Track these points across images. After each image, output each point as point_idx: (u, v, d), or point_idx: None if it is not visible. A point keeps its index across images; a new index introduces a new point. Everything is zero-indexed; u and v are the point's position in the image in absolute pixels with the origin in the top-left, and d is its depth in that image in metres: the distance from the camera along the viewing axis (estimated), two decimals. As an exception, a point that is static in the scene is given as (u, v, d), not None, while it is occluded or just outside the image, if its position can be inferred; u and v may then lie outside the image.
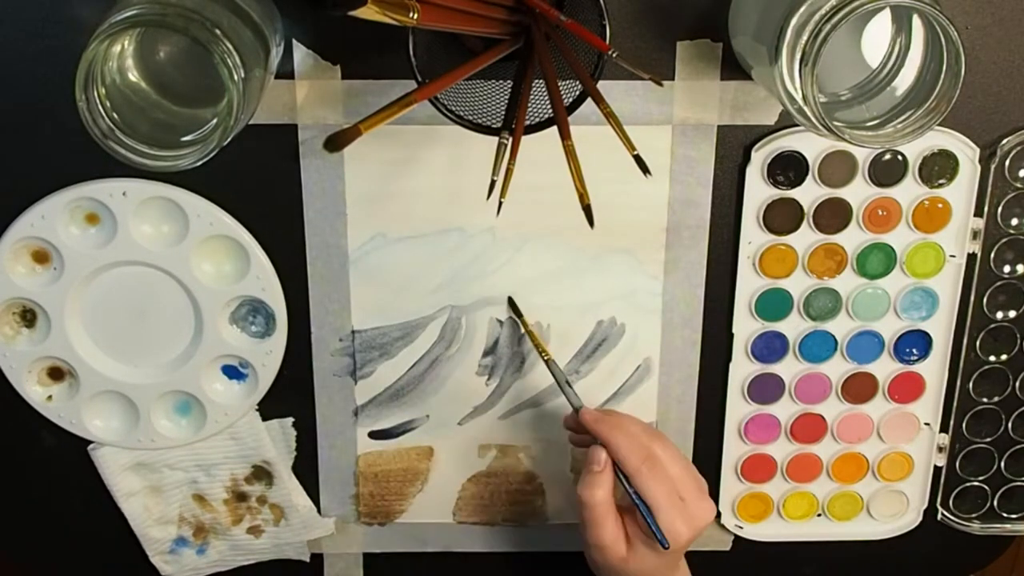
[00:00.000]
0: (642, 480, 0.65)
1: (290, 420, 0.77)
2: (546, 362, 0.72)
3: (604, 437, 0.66)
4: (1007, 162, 0.71)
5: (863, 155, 0.70)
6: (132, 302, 0.72)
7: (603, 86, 0.59)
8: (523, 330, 0.74)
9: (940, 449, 0.79)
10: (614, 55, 0.54)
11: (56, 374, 0.74)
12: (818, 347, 0.75)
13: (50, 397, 0.74)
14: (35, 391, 0.74)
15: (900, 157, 0.70)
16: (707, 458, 0.79)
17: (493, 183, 0.55)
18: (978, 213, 0.72)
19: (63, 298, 0.70)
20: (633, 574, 0.67)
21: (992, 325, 0.75)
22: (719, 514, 0.81)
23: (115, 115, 0.54)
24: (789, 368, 0.76)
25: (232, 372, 0.75)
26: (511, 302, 0.74)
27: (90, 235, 0.70)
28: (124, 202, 0.68)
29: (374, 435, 0.77)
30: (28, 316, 0.72)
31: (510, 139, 0.56)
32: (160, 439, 0.75)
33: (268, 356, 0.73)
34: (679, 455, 0.68)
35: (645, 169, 0.53)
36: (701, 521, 0.66)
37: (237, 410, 0.75)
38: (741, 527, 0.81)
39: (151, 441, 0.75)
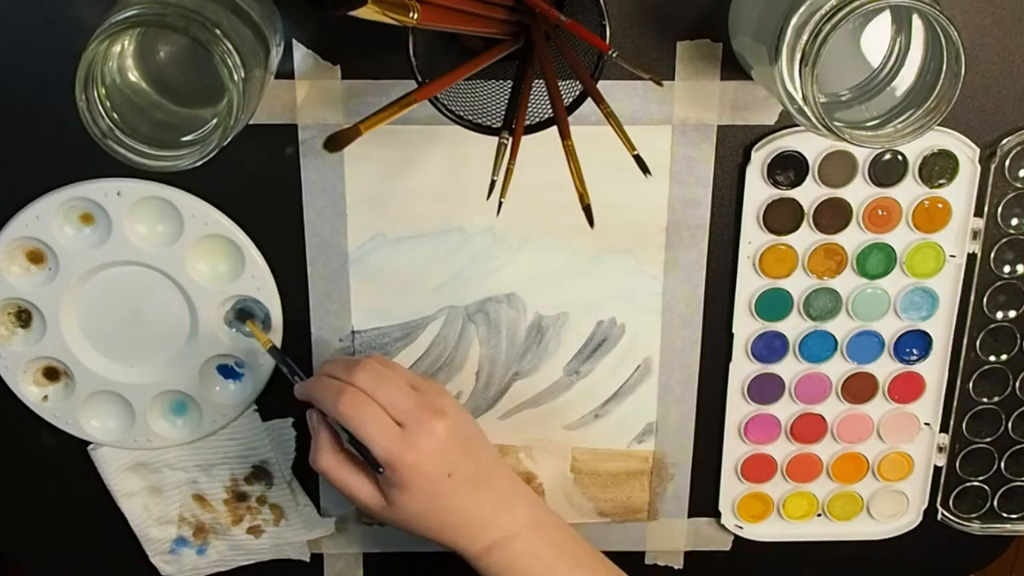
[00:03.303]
0: (351, 422, 0.59)
1: (290, 420, 0.77)
2: (270, 351, 0.69)
3: (305, 395, 0.63)
4: (1007, 162, 0.71)
5: (863, 155, 0.70)
6: (127, 302, 0.72)
7: (603, 86, 0.59)
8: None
9: (940, 449, 0.79)
10: (614, 55, 0.54)
11: (52, 374, 0.74)
12: (818, 347, 0.75)
13: (46, 397, 0.74)
14: (31, 391, 0.74)
15: (900, 157, 0.70)
16: (707, 458, 0.79)
17: (493, 183, 0.55)
18: (978, 213, 0.72)
19: (58, 298, 0.70)
20: (409, 520, 0.64)
21: (992, 325, 0.75)
22: (719, 514, 0.80)
23: (115, 115, 0.54)
24: (789, 368, 0.76)
25: (228, 372, 0.74)
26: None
27: (85, 235, 0.70)
28: (119, 202, 0.68)
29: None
30: (23, 316, 0.72)
31: (510, 139, 0.56)
32: (156, 439, 0.75)
33: (264, 355, 0.73)
34: (392, 378, 0.62)
35: (645, 169, 0.53)
36: (429, 442, 0.61)
37: (233, 409, 0.75)
38: (741, 527, 0.81)
39: (147, 441, 0.75)
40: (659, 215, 0.72)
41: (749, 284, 0.73)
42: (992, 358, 0.76)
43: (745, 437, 0.78)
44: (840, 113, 0.58)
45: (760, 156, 0.70)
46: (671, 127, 0.69)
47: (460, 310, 0.74)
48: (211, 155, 0.54)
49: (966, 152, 0.70)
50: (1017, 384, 0.77)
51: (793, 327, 0.75)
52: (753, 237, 0.72)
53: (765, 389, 0.77)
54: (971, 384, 0.77)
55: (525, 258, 0.73)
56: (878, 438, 0.78)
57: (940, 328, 0.75)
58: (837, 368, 0.76)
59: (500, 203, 0.54)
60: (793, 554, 0.82)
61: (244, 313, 0.71)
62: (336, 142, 0.49)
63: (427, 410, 0.62)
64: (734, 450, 0.79)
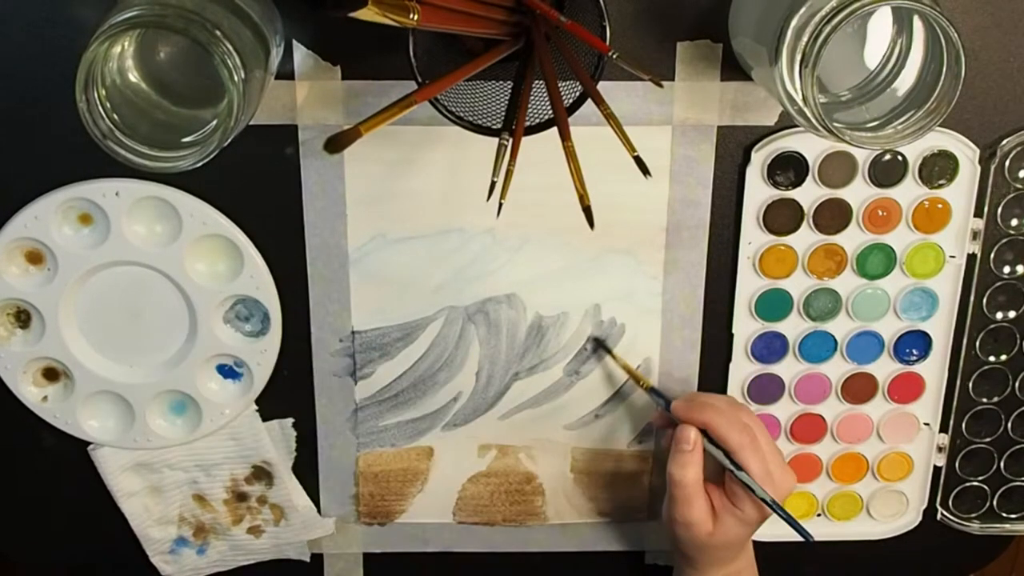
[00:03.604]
0: (745, 455, 0.67)
1: (290, 420, 0.77)
2: (647, 391, 0.75)
3: (702, 421, 0.69)
4: (1007, 162, 0.71)
5: (863, 156, 0.70)
6: (126, 302, 0.72)
7: (603, 87, 0.59)
8: (619, 366, 0.75)
9: (940, 449, 0.79)
10: (614, 56, 0.54)
11: (51, 375, 0.74)
12: (818, 347, 0.75)
13: (45, 398, 0.74)
14: (30, 392, 0.74)
15: (900, 158, 0.70)
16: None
17: (493, 184, 0.55)
18: (978, 213, 0.72)
19: (57, 299, 0.70)
20: (716, 547, 0.70)
21: (992, 325, 0.75)
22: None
23: (115, 116, 0.53)
24: (789, 368, 0.76)
25: (227, 371, 0.74)
26: (599, 342, 0.75)
27: (83, 235, 0.70)
28: (117, 202, 0.68)
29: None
30: (22, 317, 0.72)
31: (510, 140, 0.56)
32: (156, 439, 0.75)
33: (263, 355, 0.73)
34: (764, 427, 0.70)
35: (645, 170, 0.53)
36: (785, 492, 0.69)
37: (233, 409, 0.75)
38: (741, 527, 0.81)
39: (147, 441, 0.75)
40: (659, 215, 0.72)
41: (749, 284, 0.73)
42: (992, 358, 0.76)
43: (745, 437, 0.78)
44: (840, 114, 0.58)
45: (760, 156, 0.70)
46: (671, 128, 0.69)
47: (460, 310, 0.74)
48: (211, 156, 0.54)
49: (966, 152, 0.70)
50: (1017, 384, 0.77)
51: (793, 327, 0.75)
52: (753, 237, 0.72)
53: (765, 389, 0.77)
54: (971, 384, 0.77)
55: (525, 258, 0.73)
56: (878, 438, 0.79)
57: (940, 328, 0.75)
58: (837, 368, 0.76)
59: (500, 204, 0.54)
60: (793, 554, 0.82)
61: (598, 343, 0.75)
62: (336, 143, 0.49)
63: (784, 461, 0.70)
64: (734, 450, 0.79)
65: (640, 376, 0.75)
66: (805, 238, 0.72)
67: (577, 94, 0.58)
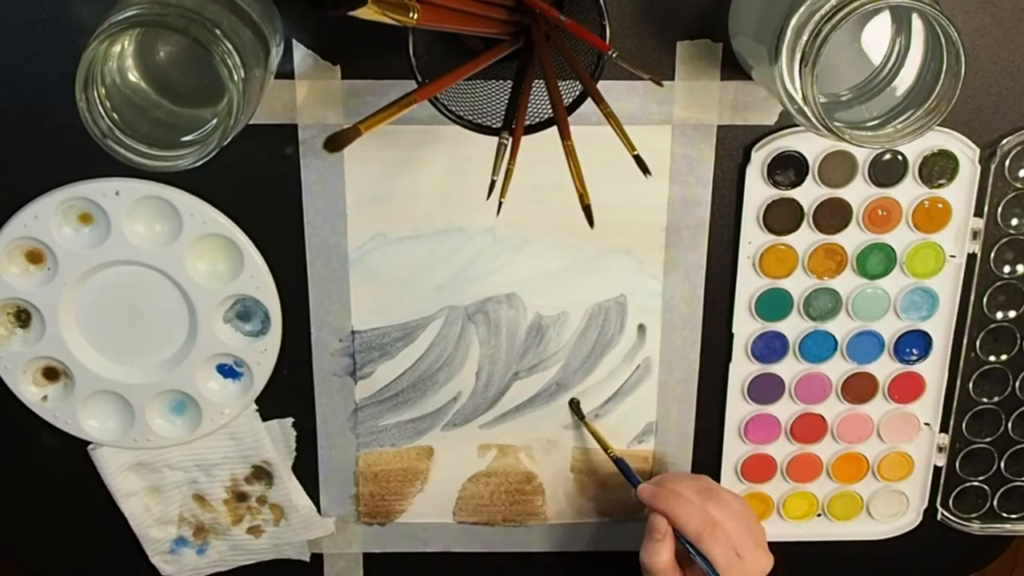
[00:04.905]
0: (703, 545, 0.68)
1: (290, 420, 0.77)
2: (614, 460, 0.76)
3: (662, 510, 0.70)
4: (1007, 162, 0.71)
5: (863, 155, 0.70)
6: (126, 302, 0.72)
7: (603, 86, 0.59)
8: (587, 431, 0.77)
9: (940, 449, 0.79)
10: (614, 55, 0.54)
11: (51, 374, 0.74)
12: (818, 347, 0.75)
13: (45, 397, 0.74)
14: (30, 391, 0.74)
15: (900, 157, 0.70)
16: (707, 458, 0.79)
17: (493, 183, 0.55)
18: (978, 213, 0.72)
19: (57, 298, 0.70)
20: None
21: (992, 325, 0.75)
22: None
23: (115, 115, 0.53)
24: (789, 368, 0.76)
25: (227, 371, 0.74)
26: (573, 404, 0.76)
27: (84, 235, 0.70)
28: (117, 201, 0.68)
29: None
30: (22, 316, 0.72)
31: (510, 139, 0.56)
32: (156, 438, 0.75)
33: (263, 355, 0.73)
34: (735, 510, 0.71)
35: (645, 169, 0.53)
36: (758, 574, 0.70)
37: (232, 409, 0.75)
38: (741, 527, 0.81)
39: (147, 440, 0.75)
40: (659, 215, 0.72)
41: (749, 284, 0.73)
42: (992, 358, 0.76)
43: (745, 437, 0.78)
44: (840, 113, 0.58)
45: (760, 156, 0.70)
46: (671, 127, 0.69)
47: (460, 310, 0.74)
48: (211, 155, 0.54)
49: (966, 152, 0.70)
50: (1017, 384, 0.77)
51: (793, 327, 0.75)
52: (753, 237, 0.72)
53: (765, 389, 0.77)
54: (971, 384, 0.77)
55: (525, 258, 0.73)
56: (878, 438, 0.78)
57: (940, 328, 0.75)
58: (837, 368, 0.76)
59: (500, 203, 0.54)
60: (793, 554, 0.82)
61: (574, 404, 0.76)
62: (336, 142, 0.49)
63: (759, 543, 0.71)
64: (734, 450, 0.79)
65: (609, 445, 0.76)
66: (805, 238, 0.72)
67: (577, 93, 0.58)
